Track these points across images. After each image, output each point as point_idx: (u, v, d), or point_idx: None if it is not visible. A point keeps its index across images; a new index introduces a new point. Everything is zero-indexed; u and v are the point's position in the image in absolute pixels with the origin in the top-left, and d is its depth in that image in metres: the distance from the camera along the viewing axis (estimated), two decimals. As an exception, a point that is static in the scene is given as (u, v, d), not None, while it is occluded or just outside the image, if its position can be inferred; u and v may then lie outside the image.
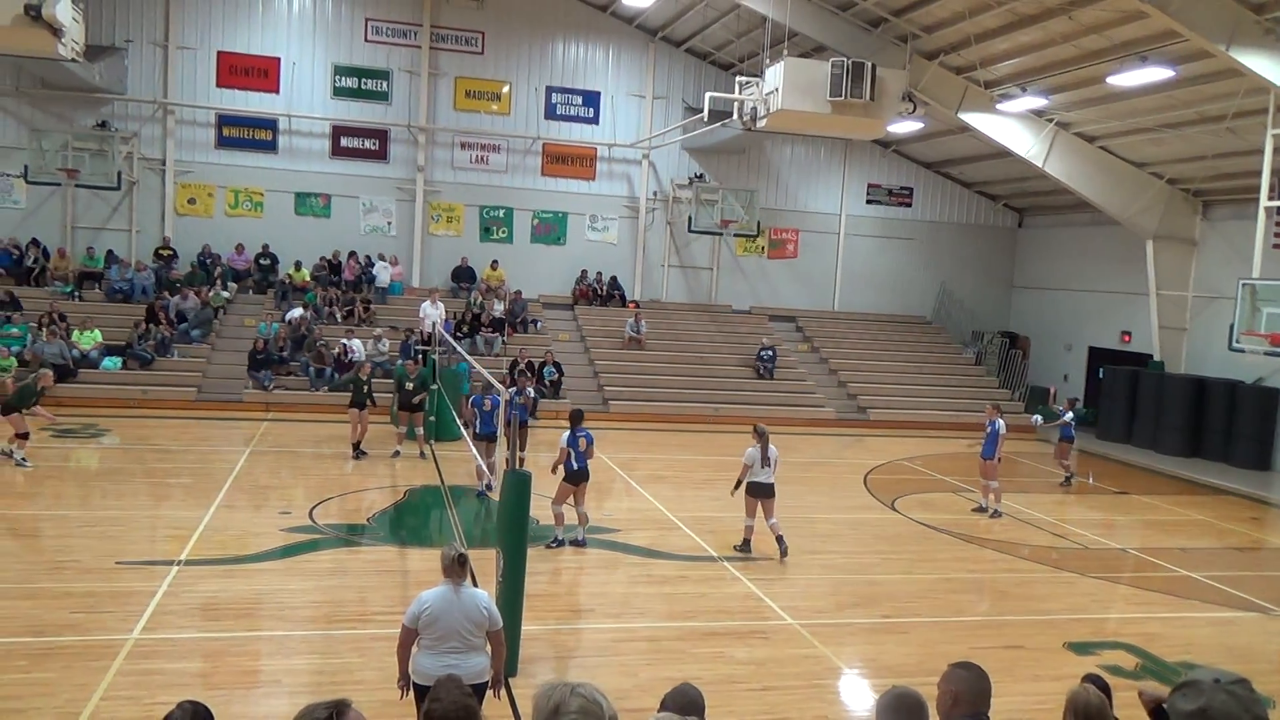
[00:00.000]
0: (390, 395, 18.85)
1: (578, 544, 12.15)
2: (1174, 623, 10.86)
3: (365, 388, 16.92)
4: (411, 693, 5.96)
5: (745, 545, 12.37)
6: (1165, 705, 3.00)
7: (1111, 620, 11.01)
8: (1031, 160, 22.57)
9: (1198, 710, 2.80)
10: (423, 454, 17.51)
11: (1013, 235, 30.64)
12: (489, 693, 6.03)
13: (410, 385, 17.54)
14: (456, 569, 6.02)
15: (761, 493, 12.14)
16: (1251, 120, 18.38)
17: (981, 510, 15.43)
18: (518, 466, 8.52)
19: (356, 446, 16.88)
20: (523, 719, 7.19)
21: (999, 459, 15.31)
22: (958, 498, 16.70)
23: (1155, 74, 17.58)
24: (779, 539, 12.13)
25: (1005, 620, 10.54)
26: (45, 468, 14.73)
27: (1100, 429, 24.31)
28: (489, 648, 6.08)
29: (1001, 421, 15.29)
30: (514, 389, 16.47)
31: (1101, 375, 25.40)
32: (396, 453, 17.28)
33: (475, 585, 6.05)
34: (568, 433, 12.04)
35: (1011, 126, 22.31)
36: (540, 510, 11.82)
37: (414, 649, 5.99)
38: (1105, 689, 4.62)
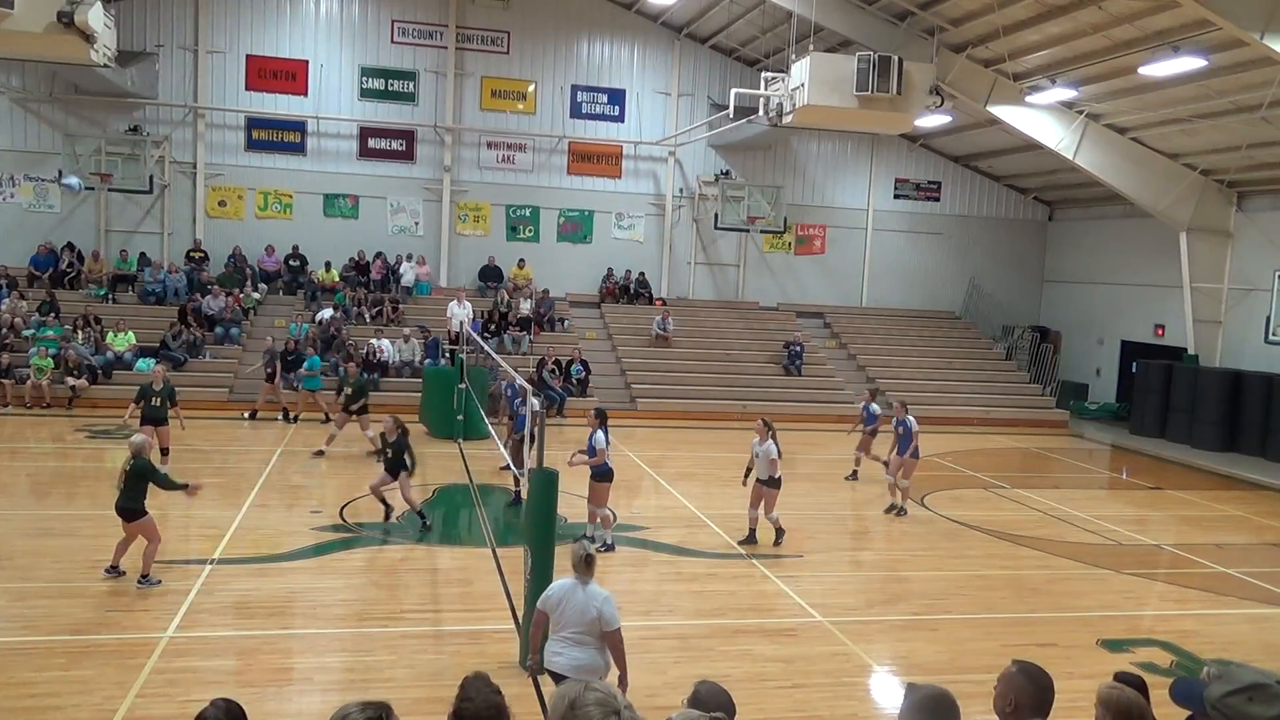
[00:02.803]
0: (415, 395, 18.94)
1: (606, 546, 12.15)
2: (1210, 619, 10.72)
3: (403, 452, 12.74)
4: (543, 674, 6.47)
5: (779, 534, 12.50)
6: (1215, 703, 2.89)
7: (1146, 617, 10.88)
8: (1062, 153, 22.29)
9: (1277, 717, 2.73)
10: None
11: (1043, 229, 30.31)
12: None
13: (350, 390, 17.26)
14: (584, 567, 6.49)
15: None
16: (1287, 109, 18.09)
17: (894, 510, 14.57)
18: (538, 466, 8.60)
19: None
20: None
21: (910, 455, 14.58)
22: (988, 494, 16.56)
23: (1188, 64, 17.30)
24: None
25: (1037, 617, 10.44)
26: (81, 468, 14.95)
27: (1134, 424, 24.00)
28: (607, 652, 6.37)
29: (912, 418, 14.58)
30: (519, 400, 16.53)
31: (1135, 369, 25.08)
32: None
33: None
34: (601, 432, 11.78)
35: (1041, 119, 22.04)
36: (566, 508, 11.84)
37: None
38: (1141, 686, 4.56)
